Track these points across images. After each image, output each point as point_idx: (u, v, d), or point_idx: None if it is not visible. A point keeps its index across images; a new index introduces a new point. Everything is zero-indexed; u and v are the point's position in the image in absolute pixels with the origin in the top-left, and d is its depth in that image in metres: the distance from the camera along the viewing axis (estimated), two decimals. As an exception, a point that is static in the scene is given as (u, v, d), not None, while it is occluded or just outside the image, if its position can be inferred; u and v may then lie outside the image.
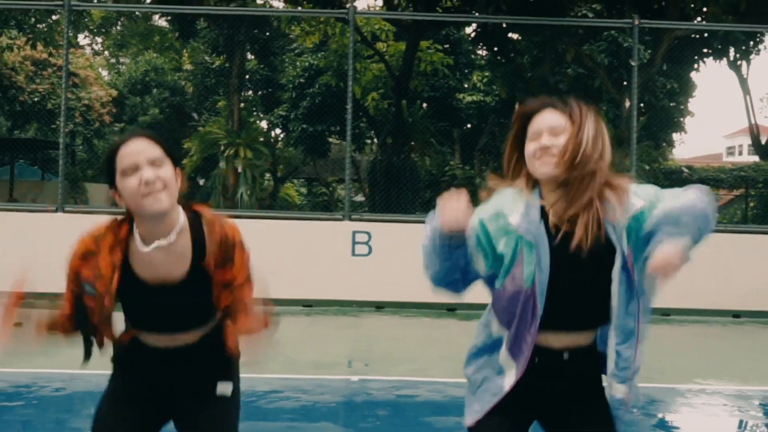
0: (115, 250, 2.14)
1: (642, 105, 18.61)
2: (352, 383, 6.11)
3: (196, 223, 2.20)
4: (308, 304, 10.00)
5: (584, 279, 2.11)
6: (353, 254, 10.25)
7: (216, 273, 2.19)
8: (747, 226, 14.09)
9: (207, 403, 2.36)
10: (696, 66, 17.81)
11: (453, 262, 2.18)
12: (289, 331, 7.96)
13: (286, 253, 9.74)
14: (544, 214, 2.14)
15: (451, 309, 10.17)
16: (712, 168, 21.54)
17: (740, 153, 49.81)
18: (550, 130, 2.09)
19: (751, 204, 20.45)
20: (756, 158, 24.04)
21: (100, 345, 2.31)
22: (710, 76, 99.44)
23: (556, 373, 2.21)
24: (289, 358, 6.47)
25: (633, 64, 11.13)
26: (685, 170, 20.76)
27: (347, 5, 15.83)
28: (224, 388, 2.38)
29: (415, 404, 5.45)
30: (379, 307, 10.25)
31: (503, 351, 2.20)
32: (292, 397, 5.39)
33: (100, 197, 25.04)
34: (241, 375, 2.48)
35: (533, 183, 2.18)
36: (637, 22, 11.05)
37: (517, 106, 2.30)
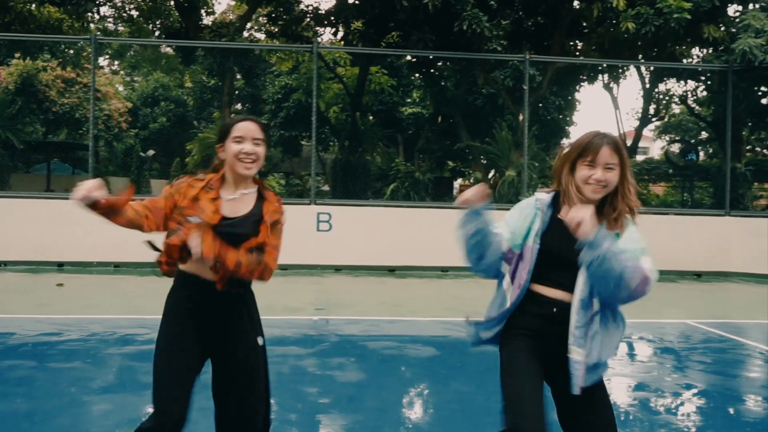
0: (216, 197, 2.31)
1: (538, 116, 19.26)
2: (315, 321, 6.52)
3: (259, 194, 2.41)
4: (284, 267, 10.18)
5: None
6: (318, 230, 10.54)
7: (263, 226, 2.34)
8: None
9: (248, 349, 2.46)
10: (577, 88, 18.45)
11: (476, 241, 2.15)
12: (268, 286, 8.33)
13: (267, 230, 10.03)
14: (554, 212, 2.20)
15: (390, 270, 10.61)
16: (590, 164, 22.26)
17: (616, 152, 50.72)
18: (605, 166, 2.11)
19: (619, 190, 21.31)
20: (624, 156, 24.95)
21: (174, 262, 2.32)
22: (590, 96, 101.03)
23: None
24: (267, 304, 6.83)
25: (525, 87, 11.70)
26: (570, 166, 21.43)
27: (313, 39, 16.16)
28: (261, 341, 2.52)
29: (358, 335, 5.93)
30: (337, 269, 10.56)
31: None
32: (268, 332, 5.78)
33: (118, 188, 24.91)
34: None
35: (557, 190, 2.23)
36: (528, 57, 11.63)
37: (565, 146, 2.31)
